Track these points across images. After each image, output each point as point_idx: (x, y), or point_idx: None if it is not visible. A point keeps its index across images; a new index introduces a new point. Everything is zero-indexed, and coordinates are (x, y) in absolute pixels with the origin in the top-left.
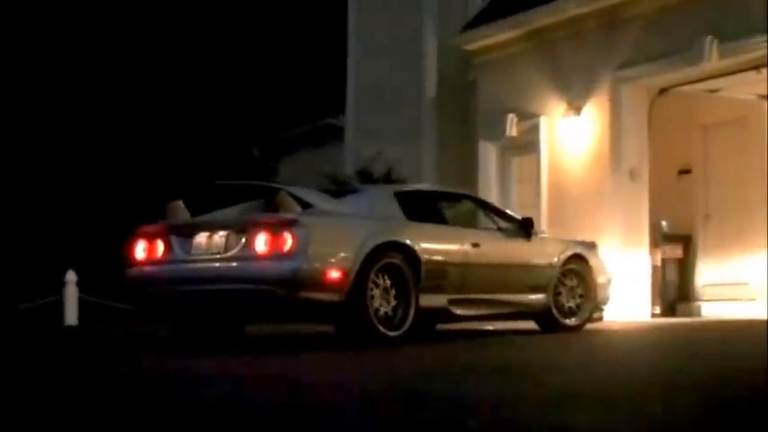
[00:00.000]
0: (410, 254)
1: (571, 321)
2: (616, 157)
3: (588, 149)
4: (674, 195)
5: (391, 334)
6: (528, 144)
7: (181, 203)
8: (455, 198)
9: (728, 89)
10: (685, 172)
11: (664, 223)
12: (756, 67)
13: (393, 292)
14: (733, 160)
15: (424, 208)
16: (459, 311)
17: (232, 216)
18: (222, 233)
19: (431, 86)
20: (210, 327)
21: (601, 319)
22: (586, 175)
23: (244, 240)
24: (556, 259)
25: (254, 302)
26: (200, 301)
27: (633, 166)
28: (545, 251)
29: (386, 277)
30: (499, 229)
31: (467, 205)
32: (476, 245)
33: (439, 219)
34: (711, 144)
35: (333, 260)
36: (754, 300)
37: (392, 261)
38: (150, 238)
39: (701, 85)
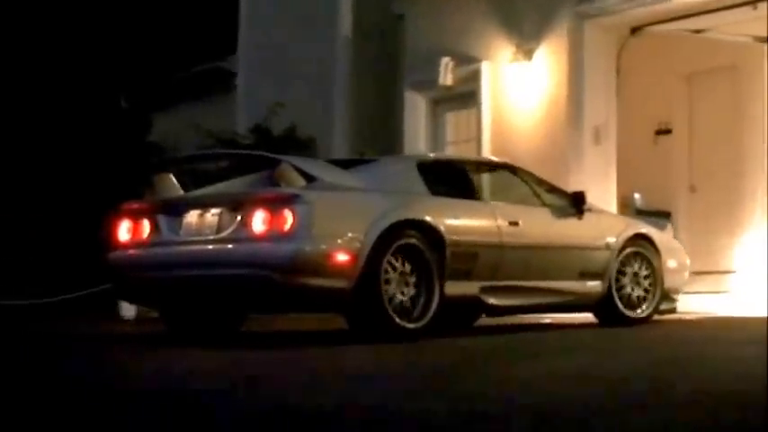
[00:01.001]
0: (432, 234)
1: (635, 313)
2: (576, 114)
3: (541, 103)
4: (651, 161)
5: (410, 326)
6: (466, 96)
7: (170, 176)
8: (492, 168)
9: (718, 29)
10: (664, 132)
11: (637, 196)
12: (753, 2)
13: (412, 278)
14: (724, 118)
15: (454, 181)
16: (493, 301)
17: (226, 191)
18: (215, 211)
19: (345, 21)
20: (204, 318)
21: (673, 311)
22: (539, 136)
23: (239, 219)
24: (614, 240)
25: (251, 290)
26: (190, 288)
27: (598, 125)
28: (600, 231)
29: (404, 261)
30: (544, 204)
31: (507, 177)
32: (514, 223)
33: (470, 193)
34: (697, 97)
35: (340, 241)
36: (742, 293)
37: (411, 242)
38: (135, 217)
39: (683, 24)
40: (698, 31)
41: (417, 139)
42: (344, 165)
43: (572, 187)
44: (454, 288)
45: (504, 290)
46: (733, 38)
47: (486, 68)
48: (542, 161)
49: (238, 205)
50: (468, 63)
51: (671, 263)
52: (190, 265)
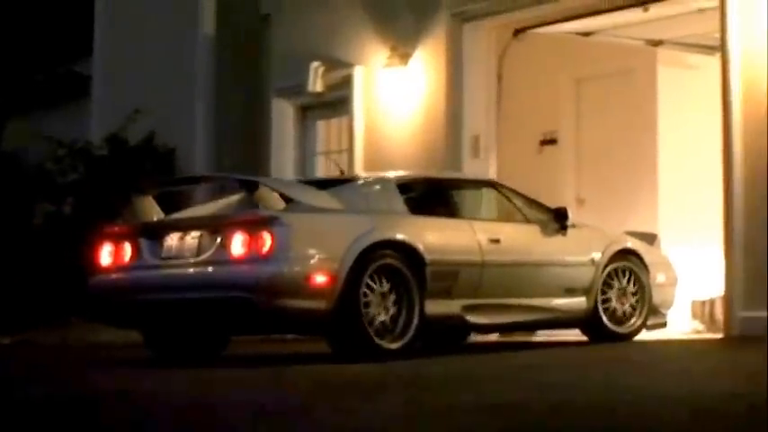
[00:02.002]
0: (411, 253)
1: (622, 329)
2: (454, 122)
3: (418, 111)
4: (535, 173)
5: (391, 346)
6: (338, 103)
7: (151, 199)
8: (473, 185)
9: (608, 32)
10: (549, 142)
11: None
12: (643, 3)
13: (392, 298)
14: (614, 125)
15: (434, 199)
16: (475, 319)
17: (206, 214)
18: (195, 234)
19: (208, 22)
20: (187, 341)
21: (663, 326)
22: (415, 145)
23: (219, 241)
24: (600, 255)
25: (230, 312)
26: (171, 311)
27: (477, 134)
28: (585, 246)
29: (383, 281)
30: (526, 221)
31: (488, 194)
32: (495, 240)
33: (451, 211)
34: (586, 104)
35: (318, 263)
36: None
37: (390, 262)
38: (116, 241)
39: (570, 26)
40: (586, 34)
41: (285, 149)
42: (322, 185)
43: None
44: (435, 307)
45: (487, 308)
46: (624, 41)
47: (358, 74)
48: (418, 173)
49: (218, 228)
50: (340, 68)
51: (659, 277)
52: (170, 288)
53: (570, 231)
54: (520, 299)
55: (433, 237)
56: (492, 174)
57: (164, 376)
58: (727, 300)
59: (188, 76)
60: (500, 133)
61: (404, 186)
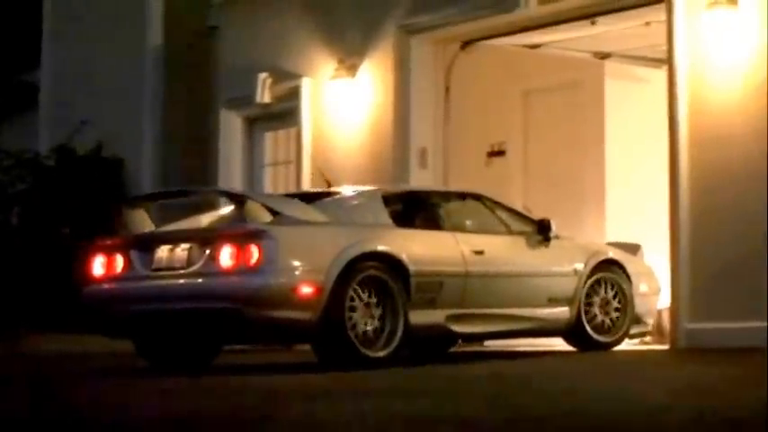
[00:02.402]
0: (396, 265)
1: (605, 338)
2: (402, 134)
3: (366, 123)
4: (483, 185)
5: (375, 355)
6: (286, 114)
7: (142, 212)
8: (458, 198)
9: (556, 45)
10: (497, 153)
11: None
12: (591, 16)
13: (377, 308)
14: (562, 137)
15: (419, 211)
16: (459, 329)
17: (196, 227)
18: (185, 246)
19: (155, 33)
20: (178, 350)
21: (645, 335)
22: (363, 157)
23: (207, 254)
24: (582, 266)
25: (219, 322)
26: (161, 321)
27: (424, 146)
28: (568, 257)
29: (368, 292)
30: (510, 232)
31: (473, 206)
32: (479, 252)
33: (435, 223)
34: (534, 116)
35: (304, 274)
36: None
37: (374, 273)
38: (108, 253)
39: (518, 39)
40: (534, 47)
41: (233, 160)
42: (309, 198)
43: None
44: (420, 317)
45: (471, 317)
46: (572, 54)
47: (306, 85)
48: (366, 184)
49: (207, 240)
50: (288, 79)
51: (642, 287)
52: (160, 299)
53: (553, 242)
54: (503, 308)
55: (418, 248)
56: (439, 185)
57: (97, 387)
58: (674, 311)
59: (136, 87)
60: (448, 145)
61: (389, 199)
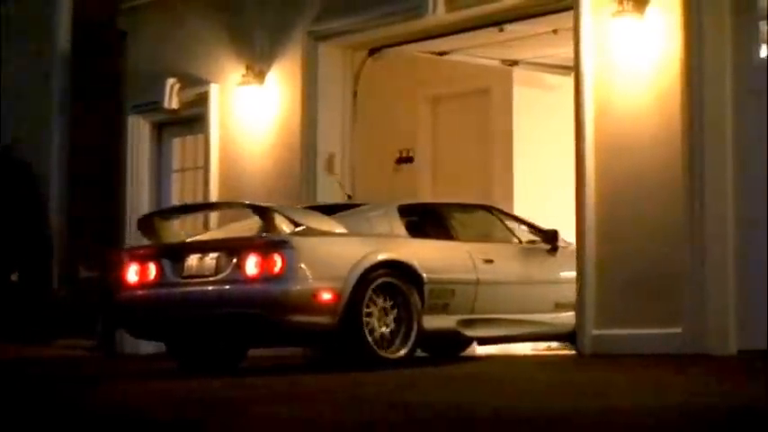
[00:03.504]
0: (410, 273)
1: None
2: (309, 140)
3: (274, 129)
4: (392, 190)
5: (391, 357)
6: (193, 120)
7: (173, 223)
8: (470, 209)
9: (464, 51)
10: (406, 160)
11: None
12: (499, 23)
13: (393, 313)
14: (471, 144)
15: (433, 223)
16: (470, 333)
17: (223, 237)
18: (213, 255)
19: (63, 35)
20: (208, 352)
21: None
22: (271, 163)
23: (234, 262)
24: None
25: (245, 327)
26: (191, 325)
27: (332, 152)
28: (574, 264)
29: (385, 298)
30: (520, 242)
31: (484, 217)
32: (489, 261)
33: (448, 234)
34: (442, 123)
35: (324, 282)
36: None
37: (390, 280)
38: (141, 261)
39: (426, 46)
40: (442, 54)
41: (141, 166)
42: (329, 210)
43: None
44: (433, 322)
45: (481, 322)
46: (480, 61)
47: (214, 91)
48: (274, 190)
49: (234, 250)
50: (196, 85)
51: None
52: (190, 305)
53: (560, 251)
54: (513, 314)
55: (431, 257)
56: (348, 191)
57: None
58: (579, 317)
59: (45, 91)
60: (356, 151)
61: (404, 211)
